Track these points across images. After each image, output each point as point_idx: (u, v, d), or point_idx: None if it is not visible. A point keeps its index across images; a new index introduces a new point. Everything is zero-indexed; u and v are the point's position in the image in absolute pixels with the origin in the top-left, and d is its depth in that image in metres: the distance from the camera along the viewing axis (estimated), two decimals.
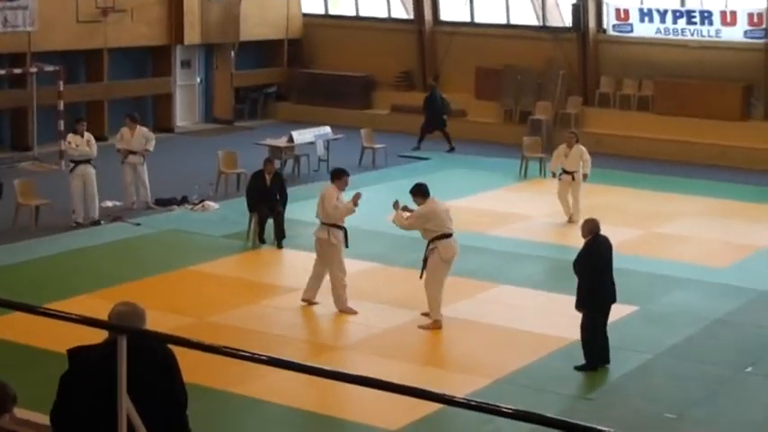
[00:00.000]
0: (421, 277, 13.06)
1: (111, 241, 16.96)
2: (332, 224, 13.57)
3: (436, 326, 12.97)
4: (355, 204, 13.75)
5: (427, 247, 13.04)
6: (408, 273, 15.28)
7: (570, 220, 18.47)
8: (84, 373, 5.43)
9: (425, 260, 13.03)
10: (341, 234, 13.65)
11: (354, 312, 13.42)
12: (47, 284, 14.49)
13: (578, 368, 11.75)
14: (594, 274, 11.68)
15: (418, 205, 13.16)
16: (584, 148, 18.83)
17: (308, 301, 13.74)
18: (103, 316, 5.64)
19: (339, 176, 13.84)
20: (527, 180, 22.21)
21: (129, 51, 26.31)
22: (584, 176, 18.80)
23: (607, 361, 11.84)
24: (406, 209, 13.37)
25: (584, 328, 11.81)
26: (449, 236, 13.01)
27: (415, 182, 13.54)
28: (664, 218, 19.09)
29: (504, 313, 13.68)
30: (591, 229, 11.95)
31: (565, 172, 18.76)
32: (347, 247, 13.72)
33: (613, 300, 11.94)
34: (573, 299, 14.24)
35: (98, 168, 17.99)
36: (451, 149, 24.86)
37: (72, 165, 17.86)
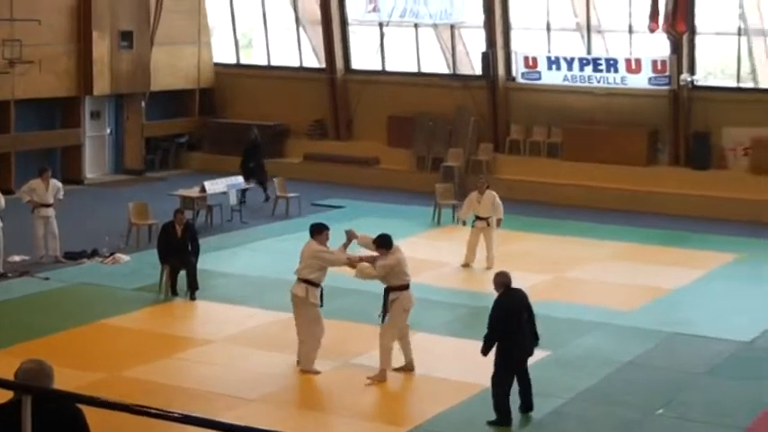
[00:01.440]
0: (381, 324, 12.93)
1: (18, 296, 16.62)
2: (308, 281, 13.10)
3: (382, 377, 12.79)
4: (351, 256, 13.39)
5: (386, 297, 12.90)
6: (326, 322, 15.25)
7: (469, 266, 18.76)
8: None
9: (385, 311, 12.89)
10: (318, 292, 13.15)
11: (317, 372, 13.06)
12: None
13: (490, 423, 11.52)
14: (504, 329, 11.55)
15: (381, 255, 12.93)
16: (495, 194, 19.04)
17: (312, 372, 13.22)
18: (10, 374, 5.54)
19: (320, 231, 13.33)
20: (440, 227, 22.37)
21: (37, 102, 26.00)
22: (498, 222, 19.01)
23: (508, 422, 11.56)
24: (363, 237, 13.26)
25: (494, 381, 11.65)
26: (407, 286, 13.01)
27: (379, 233, 13.24)
28: (574, 262, 19.35)
29: (418, 360, 13.67)
30: (501, 282, 11.86)
31: (478, 218, 18.93)
32: (321, 305, 13.25)
33: (525, 355, 11.79)
34: None
35: (4, 222, 17.67)
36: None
37: None
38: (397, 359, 13.13)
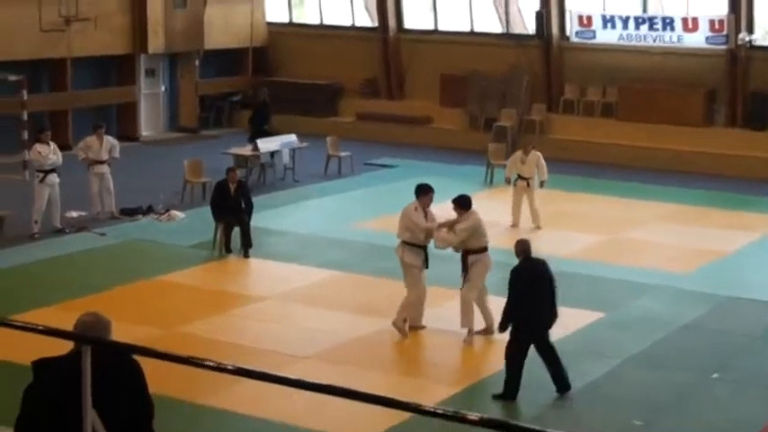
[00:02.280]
0: (462, 287, 12.84)
1: (76, 251, 16.84)
2: (405, 242, 13.03)
3: (470, 337, 12.81)
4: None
5: (465, 261, 12.83)
6: (373, 280, 15.32)
7: (537, 227, 18.62)
8: (49, 385, 5.39)
9: (466, 272, 12.83)
10: (415, 253, 12.96)
11: (404, 334, 12.94)
12: (9, 296, 14.35)
13: (495, 396, 11.14)
14: (523, 301, 11.16)
15: (460, 217, 12.84)
16: (540, 155, 18.92)
17: (416, 327, 13.15)
18: (68, 327, 5.59)
19: (425, 192, 13.17)
20: (493, 187, 22.27)
21: (92, 60, 26.17)
22: (542, 183, 18.91)
23: (513, 397, 11.08)
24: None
25: (507, 354, 11.22)
26: (486, 248, 12.94)
27: (457, 195, 13.19)
28: (628, 224, 19.20)
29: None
30: (522, 249, 11.47)
31: (521, 178, 18.86)
32: (426, 267, 13.12)
33: (543, 330, 11.22)
34: None
35: (62, 178, 17.88)
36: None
37: (41, 175, 17.71)
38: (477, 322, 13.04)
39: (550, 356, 11.23)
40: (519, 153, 19.09)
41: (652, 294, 15.01)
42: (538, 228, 18.61)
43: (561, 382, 11.25)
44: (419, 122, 27.80)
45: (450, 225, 12.89)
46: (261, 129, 23.85)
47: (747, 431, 10.60)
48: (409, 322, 13.05)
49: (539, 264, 11.46)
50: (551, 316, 11.29)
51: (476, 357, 12.60)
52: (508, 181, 19.36)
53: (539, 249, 17.54)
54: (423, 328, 13.16)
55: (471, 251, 12.82)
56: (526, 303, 11.10)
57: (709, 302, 14.66)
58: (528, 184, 18.73)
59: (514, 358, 11.08)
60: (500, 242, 17.84)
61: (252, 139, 23.17)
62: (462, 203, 12.95)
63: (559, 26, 26.79)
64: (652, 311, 14.28)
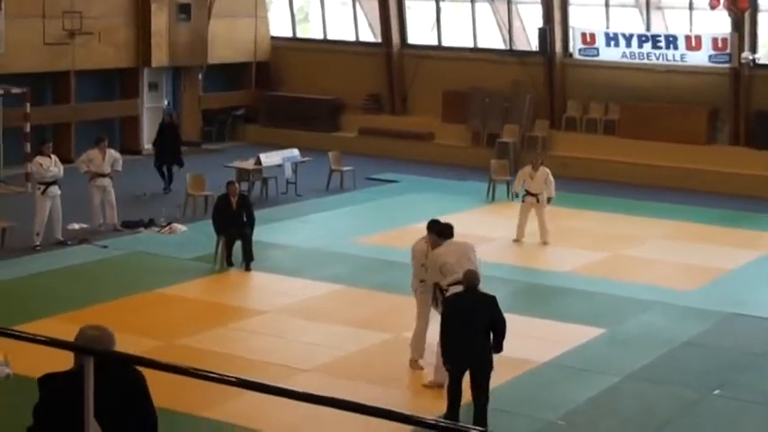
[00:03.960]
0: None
1: (77, 264, 16.84)
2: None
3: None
4: None
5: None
6: (374, 294, 15.31)
7: (543, 243, 18.65)
8: (55, 399, 5.38)
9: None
10: (423, 287, 12.26)
11: (419, 367, 12.38)
12: (11, 308, 14.35)
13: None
14: (444, 330, 10.58)
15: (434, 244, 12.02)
16: (548, 171, 18.94)
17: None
18: (69, 339, 5.58)
19: (429, 230, 12.25)
20: (495, 203, 22.28)
21: (96, 73, 26.23)
22: (549, 200, 18.92)
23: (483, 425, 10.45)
24: None
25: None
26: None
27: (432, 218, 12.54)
28: (630, 241, 19.19)
29: None
30: (466, 281, 10.79)
31: (528, 194, 18.86)
32: (436, 305, 12.10)
33: (463, 365, 10.53)
34: (542, 321, 14.39)
35: (63, 190, 17.90)
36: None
37: (42, 187, 17.73)
38: None
39: (478, 396, 10.55)
40: (528, 168, 19.09)
41: (654, 311, 14.99)
42: (545, 243, 18.61)
43: (479, 416, 10.57)
44: (422, 138, 27.83)
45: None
46: (169, 152, 22.68)
47: None
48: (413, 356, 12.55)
49: (480, 298, 10.68)
50: (486, 354, 10.51)
51: None
52: (516, 195, 19.36)
53: (540, 264, 17.65)
54: (421, 369, 12.39)
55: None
56: (452, 335, 10.49)
57: (710, 319, 14.63)
58: (537, 200, 18.73)
59: (448, 390, 10.68)
60: (502, 257, 17.89)
61: (158, 167, 22.48)
62: (438, 230, 12.10)
63: (562, 43, 26.84)
64: (653, 328, 14.25)
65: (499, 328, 10.55)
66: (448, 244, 11.99)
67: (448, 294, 11.09)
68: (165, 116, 24.04)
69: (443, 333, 10.62)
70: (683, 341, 13.72)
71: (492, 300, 10.67)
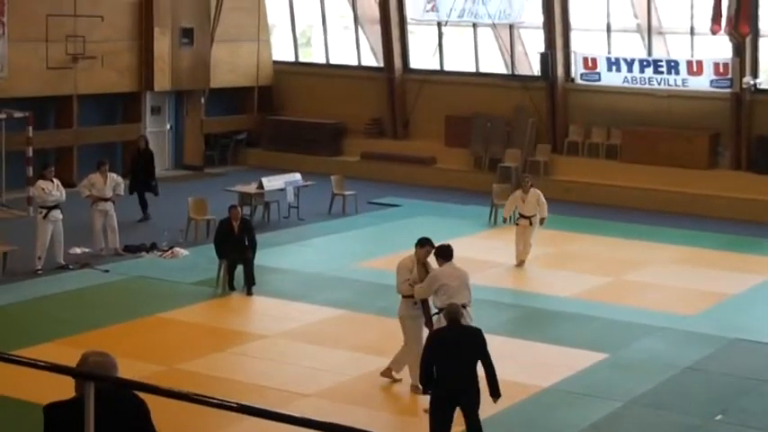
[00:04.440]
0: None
1: (78, 288, 16.82)
2: (404, 296, 12.42)
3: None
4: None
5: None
6: (376, 319, 15.29)
7: (518, 264, 18.64)
8: (60, 428, 5.37)
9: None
10: (411, 304, 12.32)
11: (397, 380, 12.58)
12: (12, 332, 14.33)
13: None
14: (429, 364, 10.27)
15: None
16: (539, 193, 18.98)
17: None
18: (70, 363, 5.57)
19: (421, 245, 12.34)
20: (497, 227, 22.27)
21: (99, 98, 26.29)
22: (542, 221, 18.94)
23: None
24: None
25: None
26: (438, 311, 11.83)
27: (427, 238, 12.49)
28: (632, 265, 19.17)
29: None
30: (447, 315, 10.52)
31: (522, 216, 18.90)
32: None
33: (451, 399, 10.15)
34: (545, 346, 14.36)
35: (65, 214, 17.91)
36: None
37: (44, 211, 17.74)
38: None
39: (470, 426, 10.25)
40: (519, 192, 19.16)
41: (656, 336, 14.96)
42: (521, 263, 18.64)
43: None
44: (424, 162, 27.86)
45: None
46: (144, 181, 22.21)
47: None
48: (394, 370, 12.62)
49: (463, 332, 10.46)
50: (473, 384, 10.23)
51: None
52: (506, 220, 19.42)
53: (543, 289, 17.62)
54: (398, 380, 12.65)
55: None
56: (438, 369, 10.18)
57: (713, 344, 14.60)
58: (530, 223, 18.77)
59: (431, 423, 10.27)
60: (504, 282, 17.88)
61: (138, 192, 21.84)
62: (440, 252, 12.16)
63: (564, 68, 26.90)
64: (656, 353, 14.22)
65: (488, 371, 10.24)
66: (449, 266, 12.04)
67: (435, 329, 10.86)
68: (140, 143, 23.17)
69: (427, 363, 10.25)
70: (686, 366, 13.69)
71: (478, 333, 10.46)
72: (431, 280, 12.02)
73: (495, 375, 10.26)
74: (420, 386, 10.92)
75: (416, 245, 12.48)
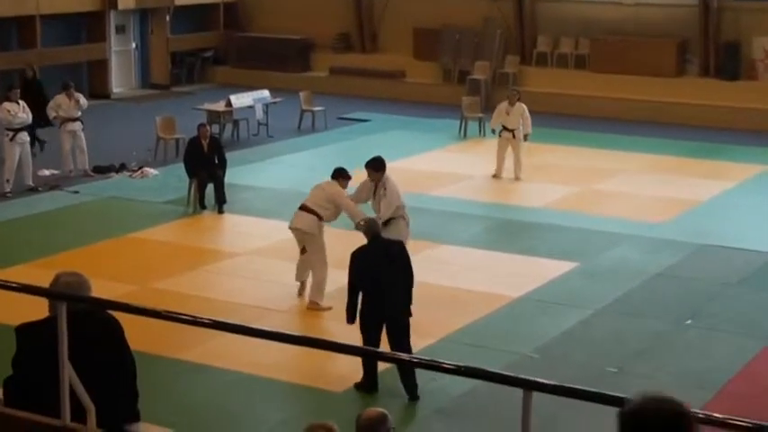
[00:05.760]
0: None
1: (49, 210, 16.76)
2: (319, 216, 12.68)
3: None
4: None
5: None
6: (348, 233, 15.27)
7: (499, 177, 18.75)
8: (32, 347, 5.39)
9: None
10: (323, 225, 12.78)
11: (328, 308, 12.37)
12: None
13: (357, 385, 10.17)
14: (353, 285, 10.26)
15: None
16: (525, 107, 18.97)
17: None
18: (43, 285, 5.58)
19: (344, 176, 12.82)
20: (467, 140, 22.28)
21: (62, 17, 25.87)
22: (526, 136, 18.95)
23: (372, 388, 10.11)
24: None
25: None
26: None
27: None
28: (602, 174, 19.26)
29: (445, 272, 13.74)
30: (368, 231, 10.54)
31: (505, 129, 18.89)
32: None
33: (380, 316, 10.06)
34: (515, 256, 14.48)
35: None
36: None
37: (10, 133, 17.57)
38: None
39: (401, 350, 9.76)
40: (504, 104, 19.10)
41: (626, 244, 15.10)
42: (517, 179, 18.71)
43: (407, 388, 10.01)
44: (393, 76, 27.71)
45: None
46: (35, 112, 19.01)
47: (721, 376, 10.71)
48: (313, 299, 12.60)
49: (387, 245, 10.45)
50: (404, 302, 10.17)
51: (451, 309, 12.64)
52: (493, 131, 19.39)
53: (514, 200, 17.71)
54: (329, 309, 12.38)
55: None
56: (363, 289, 10.16)
57: (683, 251, 14.76)
58: (513, 135, 18.76)
59: (364, 344, 9.84)
60: (475, 194, 17.94)
61: (32, 129, 18.69)
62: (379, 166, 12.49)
63: None
64: (626, 260, 14.37)
65: (407, 274, 10.21)
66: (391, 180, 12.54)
67: (358, 247, 10.57)
68: (27, 73, 21.48)
69: (355, 288, 10.22)
70: (655, 273, 13.85)
71: (401, 246, 10.49)
72: (391, 199, 12.39)
73: (411, 288, 10.22)
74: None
75: (340, 176, 12.77)
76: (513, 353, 11.28)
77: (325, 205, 12.62)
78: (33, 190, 17.62)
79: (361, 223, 11.26)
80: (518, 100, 19.01)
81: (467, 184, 18.46)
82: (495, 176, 18.87)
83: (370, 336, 10.02)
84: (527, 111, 18.93)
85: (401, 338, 10.05)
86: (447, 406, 9.95)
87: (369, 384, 10.16)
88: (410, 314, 10.23)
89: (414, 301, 10.32)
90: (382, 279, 10.07)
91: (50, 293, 5.36)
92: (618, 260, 14.39)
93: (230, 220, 16.41)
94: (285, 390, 10.53)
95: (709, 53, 25.02)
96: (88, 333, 5.26)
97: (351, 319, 10.29)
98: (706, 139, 22.29)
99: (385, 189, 12.48)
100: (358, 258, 10.34)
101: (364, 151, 20.35)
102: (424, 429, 9.81)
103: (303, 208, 12.71)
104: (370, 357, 9.63)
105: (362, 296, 10.18)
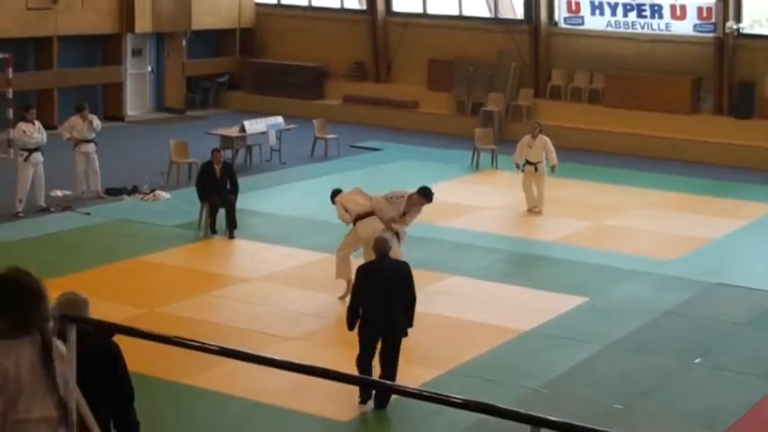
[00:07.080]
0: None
1: (60, 231, 16.78)
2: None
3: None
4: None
5: None
6: (357, 263, 15.27)
7: (533, 211, 18.71)
8: None
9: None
10: None
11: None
12: None
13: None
14: (356, 300, 10.46)
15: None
16: (547, 139, 18.94)
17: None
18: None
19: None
20: (479, 171, 22.29)
21: (79, 39, 26.04)
22: (553, 168, 18.93)
23: (365, 400, 10.33)
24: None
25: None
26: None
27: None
28: (613, 210, 19.23)
29: (455, 304, 13.71)
30: (377, 249, 10.73)
31: (528, 163, 18.86)
32: None
33: (378, 334, 10.31)
34: (525, 290, 14.44)
35: (46, 157, 17.81)
36: None
37: (25, 153, 17.64)
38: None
39: (388, 366, 10.31)
40: (527, 138, 19.06)
41: (637, 280, 15.05)
42: (539, 212, 18.69)
43: (379, 397, 10.32)
44: (406, 106, 27.79)
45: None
46: None
47: (729, 416, 10.64)
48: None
49: (393, 265, 10.62)
50: (402, 322, 10.38)
51: (459, 341, 12.60)
52: (517, 166, 19.27)
53: (525, 233, 17.68)
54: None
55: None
56: (366, 304, 10.32)
57: (693, 288, 14.70)
58: (536, 169, 18.73)
59: (358, 360, 10.30)
60: (487, 226, 17.90)
61: None
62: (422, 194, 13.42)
63: (548, 12, 26.78)
64: (636, 297, 14.31)
65: (409, 294, 10.44)
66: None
67: (365, 263, 11.28)
68: None
69: (357, 303, 10.40)
70: (665, 310, 13.79)
71: (406, 266, 10.65)
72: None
73: (413, 309, 10.55)
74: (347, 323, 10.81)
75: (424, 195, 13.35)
76: (522, 387, 11.23)
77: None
78: (45, 210, 17.66)
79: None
80: (540, 132, 19.00)
81: (478, 216, 18.45)
82: (529, 211, 18.75)
83: (366, 350, 10.31)
84: (550, 143, 18.91)
85: (393, 357, 10.37)
86: None
87: (363, 395, 10.29)
88: (407, 335, 10.48)
89: (422, 331, 10.33)
90: (385, 297, 10.28)
91: (61, 316, 5.34)
92: (628, 296, 14.34)
93: (240, 245, 16.42)
94: (291, 418, 10.48)
95: (723, 91, 25.03)
96: (85, 356, 5.24)
97: (351, 327, 10.51)
98: (719, 176, 22.26)
99: (412, 217, 13.45)
100: (364, 275, 10.54)
101: (376, 180, 20.46)
102: None
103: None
104: (359, 371, 10.12)
105: (364, 311, 10.39)
